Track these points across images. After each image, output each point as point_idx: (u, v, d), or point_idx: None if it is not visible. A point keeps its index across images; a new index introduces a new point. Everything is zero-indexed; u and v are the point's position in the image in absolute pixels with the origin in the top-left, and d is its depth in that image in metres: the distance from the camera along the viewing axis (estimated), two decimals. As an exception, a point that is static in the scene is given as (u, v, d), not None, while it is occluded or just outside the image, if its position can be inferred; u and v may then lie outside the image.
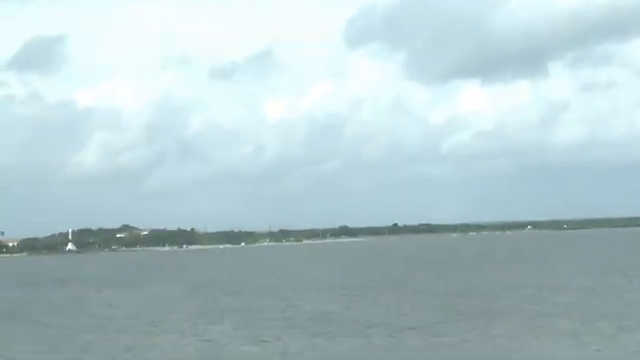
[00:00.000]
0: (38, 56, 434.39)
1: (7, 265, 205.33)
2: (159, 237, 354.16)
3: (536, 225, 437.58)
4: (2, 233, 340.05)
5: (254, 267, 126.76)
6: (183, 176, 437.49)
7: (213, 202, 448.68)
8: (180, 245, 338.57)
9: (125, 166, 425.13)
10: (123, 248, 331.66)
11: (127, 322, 51.36)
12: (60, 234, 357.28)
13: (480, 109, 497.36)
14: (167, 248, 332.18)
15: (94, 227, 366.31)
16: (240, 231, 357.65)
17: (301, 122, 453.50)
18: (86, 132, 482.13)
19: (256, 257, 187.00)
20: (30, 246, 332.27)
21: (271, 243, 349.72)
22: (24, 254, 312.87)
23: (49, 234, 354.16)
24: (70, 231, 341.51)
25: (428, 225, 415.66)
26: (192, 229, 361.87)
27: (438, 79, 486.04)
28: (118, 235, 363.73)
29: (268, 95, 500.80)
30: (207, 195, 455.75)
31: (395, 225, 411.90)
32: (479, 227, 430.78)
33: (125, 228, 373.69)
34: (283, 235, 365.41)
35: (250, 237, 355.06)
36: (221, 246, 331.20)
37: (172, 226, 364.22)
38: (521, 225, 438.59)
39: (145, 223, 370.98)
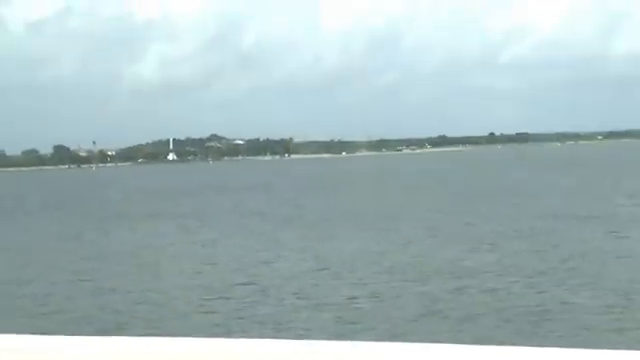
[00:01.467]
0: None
1: (138, 173, 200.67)
2: (257, 146, 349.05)
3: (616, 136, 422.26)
4: (94, 142, 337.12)
5: (435, 176, 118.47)
6: (244, 86, 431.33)
7: (286, 111, 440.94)
8: (282, 154, 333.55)
9: (185, 77, 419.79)
10: (225, 158, 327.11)
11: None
12: (148, 144, 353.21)
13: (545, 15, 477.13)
14: (268, 157, 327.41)
15: (180, 137, 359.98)
16: (340, 140, 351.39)
17: (359, 31, 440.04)
18: (142, 44, 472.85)
19: (395, 167, 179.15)
20: (130, 156, 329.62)
21: (371, 153, 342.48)
22: (128, 163, 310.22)
23: (132, 144, 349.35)
24: (171, 140, 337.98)
25: (525, 134, 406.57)
26: (290, 138, 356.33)
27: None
28: (209, 144, 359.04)
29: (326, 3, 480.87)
30: (275, 105, 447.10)
31: (492, 134, 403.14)
32: (576, 136, 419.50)
33: (214, 138, 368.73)
34: (383, 144, 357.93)
35: (350, 146, 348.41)
36: (325, 155, 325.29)
37: (253, 136, 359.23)
38: (613, 135, 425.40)
39: (231, 133, 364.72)
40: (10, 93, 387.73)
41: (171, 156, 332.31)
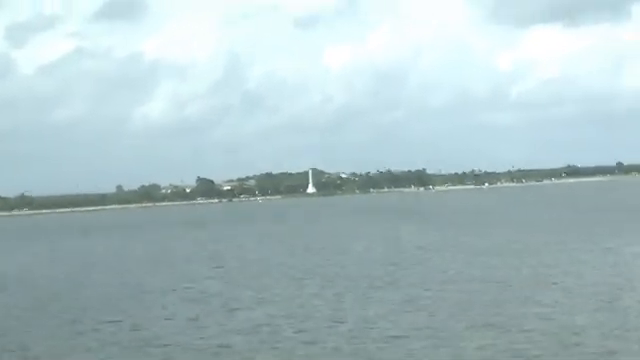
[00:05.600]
0: (115, 9, 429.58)
1: (326, 205, 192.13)
2: (392, 178, 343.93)
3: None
4: (181, 181, 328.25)
5: None
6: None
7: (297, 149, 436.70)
8: (426, 187, 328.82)
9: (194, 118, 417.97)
10: (372, 190, 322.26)
11: None
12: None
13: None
14: (413, 189, 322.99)
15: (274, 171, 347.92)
16: (481, 171, 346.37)
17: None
18: (153, 83, 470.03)
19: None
20: (269, 189, 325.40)
21: (512, 184, 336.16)
22: (278, 197, 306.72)
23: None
24: (310, 172, 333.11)
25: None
26: (423, 169, 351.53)
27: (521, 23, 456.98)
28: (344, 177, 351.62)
29: (333, 43, 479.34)
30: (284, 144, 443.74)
31: (620, 164, 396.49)
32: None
33: (316, 172, 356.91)
34: (523, 175, 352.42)
35: (491, 177, 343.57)
36: (470, 186, 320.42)
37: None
38: None
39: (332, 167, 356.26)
40: (22, 134, 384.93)
41: (310, 189, 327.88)
